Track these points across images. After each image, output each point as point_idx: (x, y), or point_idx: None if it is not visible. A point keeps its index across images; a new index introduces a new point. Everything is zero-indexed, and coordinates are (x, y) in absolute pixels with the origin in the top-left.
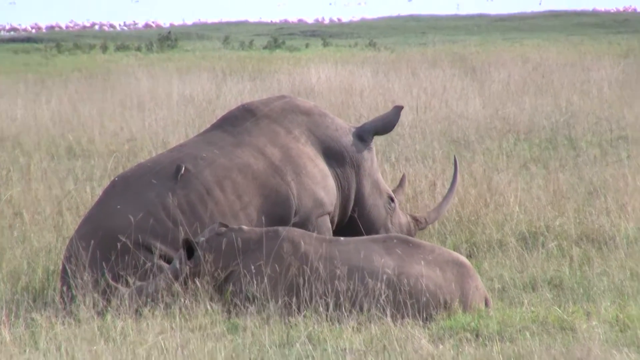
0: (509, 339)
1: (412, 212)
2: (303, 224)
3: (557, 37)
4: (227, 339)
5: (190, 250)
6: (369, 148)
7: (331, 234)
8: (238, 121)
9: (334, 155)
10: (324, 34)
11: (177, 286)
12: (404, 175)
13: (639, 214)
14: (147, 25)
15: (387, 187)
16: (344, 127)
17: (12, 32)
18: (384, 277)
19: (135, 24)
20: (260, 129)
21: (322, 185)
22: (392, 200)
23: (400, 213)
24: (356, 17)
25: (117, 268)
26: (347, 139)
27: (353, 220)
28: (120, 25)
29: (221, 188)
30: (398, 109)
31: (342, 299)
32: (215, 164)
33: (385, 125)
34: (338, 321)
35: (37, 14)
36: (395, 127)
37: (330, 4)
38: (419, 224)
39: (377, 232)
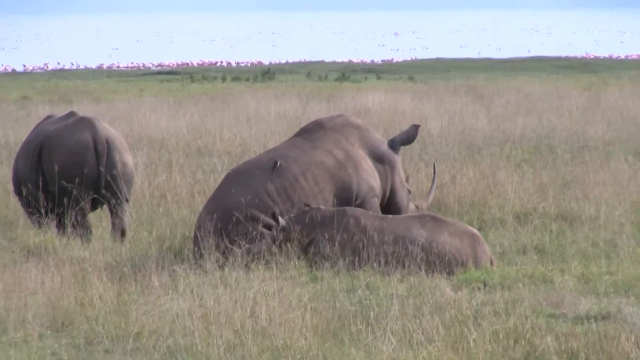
0: (507, 288)
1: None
2: (361, 205)
3: (540, 75)
4: (310, 286)
5: (275, 219)
6: (398, 154)
7: (380, 212)
8: (312, 132)
9: (377, 158)
10: (378, 71)
11: (274, 248)
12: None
13: (598, 200)
14: (252, 64)
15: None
16: (381, 139)
17: (159, 67)
18: (420, 243)
19: (246, 62)
20: (328, 137)
21: (372, 176)
22: (409, 191)
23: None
24: (400, 59)
25: (232, 235)
26: (385, 147)
27: (386, 204)
28: (235, 62)
29: (304, 177)
30: (416, 127)
31: (390, 258)
32: (299, 161)
33: (408, 138)
34: (387, 274)
35: (177, 54)
36: (415, 139)
37: (381, 45)
38: (417, 208)
39: (402, 213)
